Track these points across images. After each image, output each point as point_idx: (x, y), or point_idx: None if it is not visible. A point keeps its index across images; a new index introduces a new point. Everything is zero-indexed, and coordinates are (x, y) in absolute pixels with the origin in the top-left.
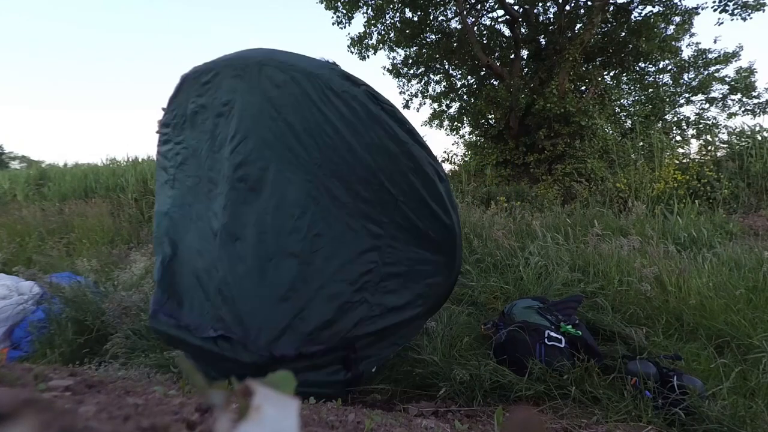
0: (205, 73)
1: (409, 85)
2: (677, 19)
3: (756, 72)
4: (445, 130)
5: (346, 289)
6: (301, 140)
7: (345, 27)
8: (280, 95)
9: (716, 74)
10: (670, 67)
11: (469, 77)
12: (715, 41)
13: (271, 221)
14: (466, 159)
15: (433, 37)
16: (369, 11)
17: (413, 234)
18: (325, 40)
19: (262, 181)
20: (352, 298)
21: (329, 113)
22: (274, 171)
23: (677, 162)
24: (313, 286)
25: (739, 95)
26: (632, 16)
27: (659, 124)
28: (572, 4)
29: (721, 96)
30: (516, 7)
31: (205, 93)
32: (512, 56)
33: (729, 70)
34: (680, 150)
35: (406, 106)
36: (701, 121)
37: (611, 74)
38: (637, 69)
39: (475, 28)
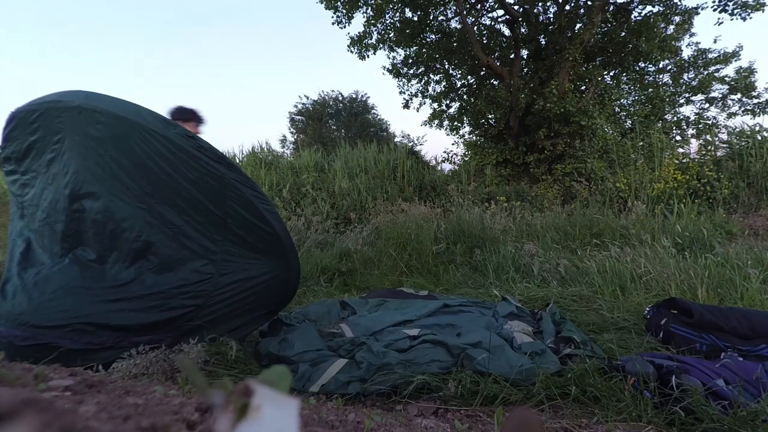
0: (31, 113)
1: (409, 84)
2: (677, 18)
3: (756, 72)
4: (445, 130)
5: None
6: (130, 173)
7: (345, 27)
8: (102, 136)
9: (716, 74)
10: (670, 67)
11: (469, 77)
12: (715, 41)
13: (109, 245)
14: (466, 159)
15: (433, 36)
16: (369, 11)
17: (245, 246)
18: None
19: (96, 211)
20: (187, 303)
21: (149, 151)
22: (106, 201)
23: (677, 162)
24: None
25: (739, 95)
26: (632, 16)
27: (659, 124)
28: (572, 4)
29: (721, 96)
30: (516, 7)
31: (35, 131)
32: (512, 56)
33: (729, 70)
34: (680, 150)
35: (406, 106)
36: (701, 121)
37: (611, 74)
38: (637, 69)
39: (475, 27)
